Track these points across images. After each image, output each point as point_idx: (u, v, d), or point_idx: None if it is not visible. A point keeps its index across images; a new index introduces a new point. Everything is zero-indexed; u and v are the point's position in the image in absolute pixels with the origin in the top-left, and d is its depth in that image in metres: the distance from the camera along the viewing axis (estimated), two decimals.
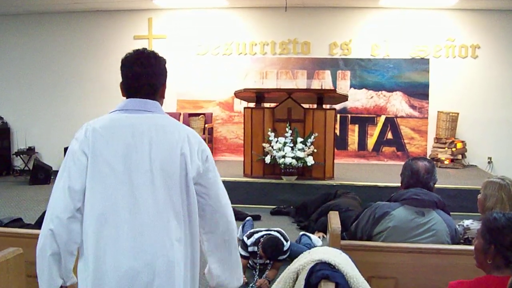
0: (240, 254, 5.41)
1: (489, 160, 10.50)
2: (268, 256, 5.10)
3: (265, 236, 5.25)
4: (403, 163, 10.23)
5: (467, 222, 3.42)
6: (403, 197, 3.35)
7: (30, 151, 11.27)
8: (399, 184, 7.70)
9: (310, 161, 8.13)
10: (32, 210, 7.89)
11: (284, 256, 5.28)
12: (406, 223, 3.21)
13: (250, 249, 5.25)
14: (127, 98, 2.38)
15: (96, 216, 2.19)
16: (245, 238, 5.34)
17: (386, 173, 9.40)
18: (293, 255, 5.59)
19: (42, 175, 10.39)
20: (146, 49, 2.41)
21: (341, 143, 10.55)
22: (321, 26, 10.83)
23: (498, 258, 2.27)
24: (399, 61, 10.74)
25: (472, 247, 3.12)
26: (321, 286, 2.10)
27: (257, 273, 5.17)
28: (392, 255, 3.01)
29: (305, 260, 2.24)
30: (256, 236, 5.30)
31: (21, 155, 11.24)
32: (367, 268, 2.80)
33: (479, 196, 3.46)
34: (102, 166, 2.21)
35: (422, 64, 10.69)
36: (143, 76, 2.34)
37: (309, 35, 10.88)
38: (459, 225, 3.44)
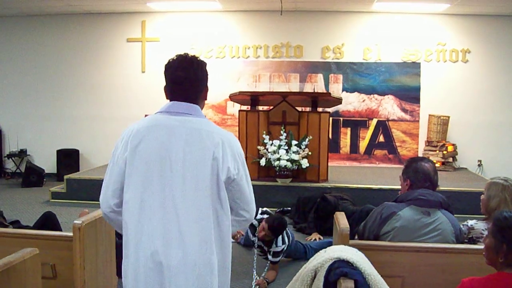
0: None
1: (479, 162, 10.62)
2: (271, 227, 5.16)
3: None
4: (394, 166, 10.43)
5: (471, 222, 3.48)
6: (409, 197, 3.39)
7: (22, 153, 11.24)
8: (392, 187, 7.85)
9: (304, 163, 8.18)
10: (27, 213, 7.87)
11: (281, 247, 5.36)
12: (413, 223, 3.26)
13: (254, 222, 5.38)
14: (170, 101, 2.52)
15: (134, 211, 2.37)
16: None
17: (378, 175, 9.49)
18: (290, 253, 5.66)
19: (35, 178, 10.35)
20: (188, 54, 2.52)
21: (333, 146, 10.59)
22: (314, 29, 10.90)
23: (509, 256, 2.32)
24: (390, 65, 10.83)
25: (476, 246, 3.22)
26: (340, 283, 2.14)
27: (255, 263, 5.26)
28: (399, 254, 3.06)
29: (323, 258, 2.28)
30: (257, 217, 5.41)
31: (13, 158, 11.20)
32: (375, 267, 2.84)
33: (482, 196, 3.52)
34: (138, 163, 2.39)
35: (413, 68, 10.79)
36: (186, 80, 2.47)
37: (302, 38, 10.95)
38: (463, 225, 3.50)
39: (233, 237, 5.06)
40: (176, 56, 2.52)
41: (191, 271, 2.33)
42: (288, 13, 10.60)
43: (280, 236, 5.37)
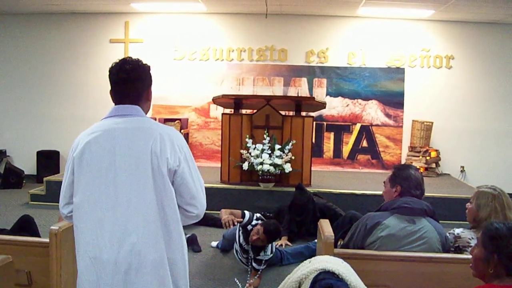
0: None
1: (461, 169, 10.65)
2: (266, 231, 5.10)
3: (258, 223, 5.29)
4: (378, 171, 10.45)
5: (457, 231, 3.44)
6: (393, 206, 3.37)
7: (1, 154, 11.03)
8: (376, 192, 7.83)
9: (287, 168, 8.12)
10: (5, 215, 7.73)
11: (269, 256, 5.31)
12: (398, 232, 3.23)
13: (249, 227, 5.30)
14: (115, 104, 2.61)
15: (81, 214, 2.50)
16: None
17: (362, 180, 9.47)
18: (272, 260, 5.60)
19: (14, 179, 10.19)
20: (130, 57, 2.63)
21: (316, 150, 10.55)
22: (298, 33, 10.87)
23: (499, 267, 2.28)
24: (375, 70, 10.82)
25: (463, 256, 3.18)
26: None
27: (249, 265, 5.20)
28: (385, 264, 3.02)
29: (307, 269, 2.22)
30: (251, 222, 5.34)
31: None
32: (360, 276, 2.78)
33: (469, 205, 3.48)
34: (85, 170, 2.50)
35: (397, 73, 10.79)
36: (128, 82, 2.56)
37: (286, 42, 10.91)
38: (449, 233, 3.46)
39: (224, 225, 5.05)
40: (119, 59, 2.61)
41: (141, 268, 2.42)
42: (273, 16, 10.56)
43: (270, 246, 5.31)
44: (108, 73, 2.61)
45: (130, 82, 2.55)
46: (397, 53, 10.76)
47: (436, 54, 10.69)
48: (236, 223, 5.18)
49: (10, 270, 2.58)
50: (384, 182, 3.64)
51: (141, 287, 2.43)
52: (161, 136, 2.49)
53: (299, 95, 10.75)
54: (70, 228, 3.16)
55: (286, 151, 8.20)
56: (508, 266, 2.27)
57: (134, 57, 2.64)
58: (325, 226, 3.17)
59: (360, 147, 10.94)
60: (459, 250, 3.34)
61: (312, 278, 2.17)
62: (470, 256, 3.05)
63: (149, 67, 2.65)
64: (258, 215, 5.53)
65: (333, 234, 2.99)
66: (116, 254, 2.40)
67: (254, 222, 5.33)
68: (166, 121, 10.50)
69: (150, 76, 2.66)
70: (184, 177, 2.52)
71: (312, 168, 8.69)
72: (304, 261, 2.45)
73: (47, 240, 3.07)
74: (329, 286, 2.11)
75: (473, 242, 3.32)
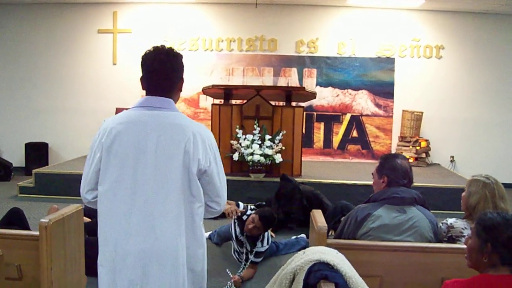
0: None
1: (451, 158, 10.69)
2: (262, 218, 5.10)
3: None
4: (368, 161, 10.47)
5: (450, 221, 3.43)
6: (383, 196, 3.36)
7: None
8: (367, 182, 7.85)
9: (278, 158, 8.10)
10: None
11: (265, 248, 5.29)
12: (389, 222, 3.22)
13: (244, 217, 5.31)
14: (146, 93, 2.59)
15: (106, 202, 2.48)
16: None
17: (352, 171, 9.48)
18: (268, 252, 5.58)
19: (2, 172, 10.09)
20: (164, 46, 2.59)
21: (306, 140, 10.54)
22: (288, 23, 10.83)
23: (494, 256, 2.27)
24: (365, 60, 10.81)
25: (456, 245, 3.18)
26: (320, 286, 2.06)
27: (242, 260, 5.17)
28: (378, 254, 3.01)
29: (302, 261, 2.20)
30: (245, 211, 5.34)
31: None
32: (353, 267, 2.78)
33: (464, 193, 3.48)
34: (113, 160, 2.47)
35: (387, 63, 10.79)
36: (162, 72, 2.53)
37: (276, 32, 10.87)
38: (442, 223, 3.45)
39: (227, 214, 5.15)
40: (152, 48, 2.57)
41: (163, 260, 2.43)
42: (263, 6, 10.50)
43: (266, 236, 5.29)
44: (140, 60, 2.58)
45: (165, 73, 2.54)
46: (387, 43, 10.75)
47: (426, 44, 10.70)
48: (239, 213, 5.18)
49: (0, 264, 2.54)
50: (372, 174, 3.62)
51: (160, 282, 2.43)
52: (194, 136, 2.48)
53: (289, 85, 10.72)
54: (61, 221, 3.13)
55: (276, 142, 8.18)
56: (502, 255, 2.27)
57: (167, 45, 2.61)
58: (318, 217, 3.15)
59: (350, 137, 10.94)
60: (452, 240, 3.33)
61: (307, 269, 2.15)
62: (463, 246, 3.05)
63: (181, 56, 2.62)
64: (253, 206, 5.51)
65: (326, 225, 2.97)
66: (138, 247, 2.41)
67: (249, 212, 5.32)
68: None
69: (183, 66, 2.63)
70: (212, 177, 2.54)
71: (303, 159, 8.67)
72: (298, 252, 2.43)
73: (37, 233, 3.02)
74: (324, 277, 2.09)
75: (466, 232, 3.31)
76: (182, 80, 2.63)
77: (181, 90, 2.66)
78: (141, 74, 2.61)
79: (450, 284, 2.27)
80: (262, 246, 5.26)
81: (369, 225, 3.22)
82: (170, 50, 2.57)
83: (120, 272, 2.43)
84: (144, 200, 2.42)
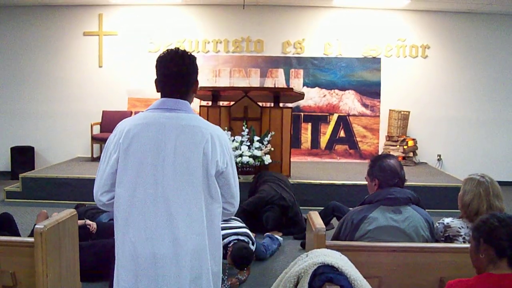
0: None
1: (438, 157, 10.74)
2: (237, 266, 5.02)
3: (233, 242, 5.14)
4: (355, 161, 10.50)
5: (447, 220, 3.44)
6: (377, 198, 3.36)
7: None
8: (355, 182, 7.88)
9: (267, 159, 8.08)
10: None
11: (254, 248, 5.27)
12: (385, 223, 3.22)
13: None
14: (161, 95, 2.60)
15: (124, 204, 2.47)
16: None
17: (340, 171, 9.50)
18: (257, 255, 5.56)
19: None
20: (179, 48, 2.60)
21: (294, 141, 10.53)
22: (275, 24, 10.83)
23: (489, 250, 2.30)
24: (351, 60, 10.84)
25: (454, 245, 3.21)
26: None
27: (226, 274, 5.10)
28: (376, 255, 3.01)
29: (306, 264, 2.19)
30: (224, 241, 5.18)
31: None
32: None
33: (459, 193, 3.50)
34: (131, 161, 2.47)
35: (373, 63, 10.83)
36: (178, 75, 2.55)
37: (263, 33, 10.87)
38: (439, 223, 3.47)
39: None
40: (167, 50, 2.59)
41: (183, 263, 2.42)
42: (249, 7, 10.48)
43: (249, 239, 5.26)
44: (156, 63, 2.59)
45: (181, 76, 2.56)
46: (373, 43, 10.79)
47: (412, 44, 10.75)
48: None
49: None
50: (365, 177, 3.62)
51: (182, 284, 2.43)
52: (212, 137, 2.50)
53: (276, 86, 10.72)
54: (55, 226, 3.10)
55: (265, 143, 8.16)
56: (496, 246, 2.30)
57: (181, 48, 2.62)
58: (315, 218, 3.14)
59: (337, 137, 10.96)
60: (449, 239, 3.35)
61: (311, 272, 2.14)
62: (461, 245, 3.09)
63: (195, 58, 2.64)
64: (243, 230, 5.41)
65: (324, 227, 2.96)
66: (157, 249, 2.40)
67: (232, 238, 5.20)
68: None
69: (197, 69, 2.65)
70: (228, 178, 2.57)
71: (291, 159, 8.67)
72: (301, 255, 2.42)
73: (32, 239, 2.98)
74: (329, 280, 2.08)
75: (463, 231, 3.33)
76: (197, 82, 2.65)
77: (195, 93, 2.69)
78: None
79: (454, 284, 2.28)
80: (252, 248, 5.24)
81: (365, 228, 3.22)
82: (186, 52, 2.58)
83: (141, 274, 2.42)
84: (165, 202, 2.42)
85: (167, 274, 2.41)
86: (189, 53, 2.60)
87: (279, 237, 6.30)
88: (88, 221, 5.19)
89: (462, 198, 3.45)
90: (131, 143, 2.47)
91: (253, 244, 5.31)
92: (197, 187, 2.45)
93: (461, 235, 3.32)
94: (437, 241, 3.37)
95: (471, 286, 2.25)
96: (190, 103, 2.64)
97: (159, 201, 2.42)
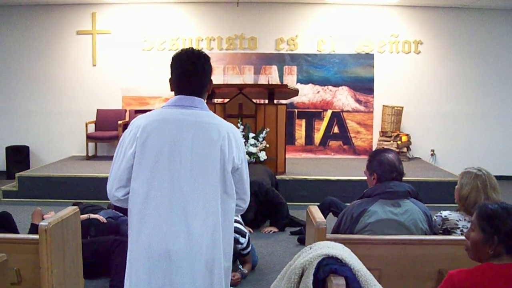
0: None
1: (432, 152, 10.81)
2: None
3: None
4: (349, 156, 10.53)
5: (444, 213, 3.50)
6: (376, 192, 3.41)
7: None
8: (350, 178, 7.92)
9: (262, 156, 8.13)
10: None
11: (245, 252, 5.24)
12: (385, 216, 3.27)
13: None
14: (176, 93, 2.63)
15: (140, 199, 2.48)
16: None
17: (335, 167, 9.55)
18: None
19: None
20: (193, 48, 2.67)
21: (288, 138, 10.53)
22: (268, 21, 10.86)
23: (499, 247, 2.32)
24: (344, 56, 10.89)
25: (452, 237, 3.25)
26: (330, 280, 2.10)
27: None
28: (376, 247, 3.06)
29: (310, 256, 2.23)
30: None
31: None
32: None
33: (456, 186, 3.55)
34: (148, 156, 2.48)
35: (367, 59, 10.88)
36: (194, 75, 2.59)
37: (256, 30, 10.89)
38: (436, 216, 3.52)
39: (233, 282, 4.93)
40: (183, 49, 2.65)
41: (198, 258, 2.44)
42: (242, 5, 10.53)
43: (237, 235, 5.23)
44: (171, 61, 2.63)
45: (196, 75, 2.60)
46: (366, 39, 10.84)
47: (404, 40, 10.81)
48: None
49: (5, 268, 2.54)
50: (364, 172, 3.67)
51: (192, 282, 2.45)
52: (228, 135, 2.54)
53: (270, 83, 10.76)
54: (59, 223, 3.13)
55: (260, 139, 8.21)
56: (508, 245, 2.32)
57: (196, 47, 2.73)
58: (315, 212, 3.19)
59: (331, 133, 11.01)
60: (447, 232, 3.40)
61: (316, 264, 2.18)
62: (459, 238, 3.13)
63: (209, 58, 2.69)
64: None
65: (325, 220, 3.01)
66: (172, 245, 2.42)
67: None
68: (136, 112, 10.38)
69: (212, 68, 2.70)
70: (242, 175, 2.62)
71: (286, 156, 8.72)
72: (304, 248, 2.47)
73: (36, 236, 3.02)
74: (334, 271, 2.13)
75: (460, 224, 3.39)
76: (211, 81, 2.69)
77: (209, 92, 2.72)
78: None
79: (455, 274, 2.32)
80: (242, 244, 5.20)
81: (365, 221, 3.27)
82: (201, 52, 2.64)
83: (155, 269, 2.43)
84: (181, 198, 2.44)
85: (181, 269, 2.43)
86: (204, 53, 2.65)
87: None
88: (92, 215, 5.22)
89: (459, 192, 3.50)
90: (148, 138, 2.48)
91: (243, 236, 5.27)
92: (213, 183, 2.48)
93: (458, 228, 3.38)
94: (435, 233, 3.42)
95: (472, 276, 2.29)
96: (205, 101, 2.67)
97: (175, 196, 2.44)
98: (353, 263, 2.23)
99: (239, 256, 5.21)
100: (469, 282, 2.28)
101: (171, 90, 2.66)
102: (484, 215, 2.37)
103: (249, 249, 5.25)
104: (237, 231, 5.27)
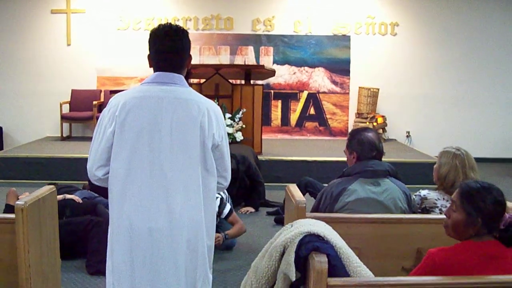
0: None
1: (407, 134, 10.89)
2: None
3: None
4: (325, 138, 10.55)
5: (423, 192, 3.52)
6: (356, 170, 3.40)
7: None
8: (326, 158, 7.95)
9: (239, 137, 8.11)
10: None
11: (224, 215, 5.20)
12: (364, 195, 3.28)
13: None
14: (155, 70, 2.59)
15: (120, 178, 2.46)
16: None
17: (310, 147, 9.60)
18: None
19: None
20: (171, 23, 2.62)
21: (264, 119, 10.51)
22: (244, 1, 10.81)
23: (482, 228, 2.33)
24: (321, 38, 10.88)
25: (431, 216, 3.28)
26: (312, 257, 2.10)
27: None
28: (355, 226, 3.06)
29: (292, 233, 2.22)
30: None
31: None
32: None
33: (435, 165, 3.57)
34: (127, 134, 2.45)
35: (343, 40, 10.88)
36: (173, 51, 2.55)
37: (232, 10, 10.83)
38: (415, 195, 3.55)
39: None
40: (160, 25, 2.60)
41: (179, 237, 2.44)
42: None
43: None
44: (149, 37, 2.59)
45: (175, 51, 2.55)
46: (342, 21, 10.84)
47: (381, 21, 10.82)
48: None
49: None
50: (344, 151, 3.67)
51: (175, 260, 2.45)
52: (208, 111, 2.52)
53: (246, 63, 10.71)
54: (36, 203, 3.08)
55: (236, 120, 8.18)
56: (490, 226, 2.34)
57: (173, 23, 2.62)
58: (295, 191, 3.18)
59: (307, 114, 11.03)
60: (426, 211, 3.43)
61: (298, 242, 2.18)
62: (438, 216, 3.15)
63: (188, 33, 2.64)
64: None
65: (304, 199, 3.01)
66: (154, 223, 2.41)
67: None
68: (111, 92, 10.26)
69: (190, 43, 2.63)
70: (222, 152, 2.61)
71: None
72: (286, 225, 2.46)
73: (12, 216, 2.97)
74: (316, 248, 2.12)
75: (439, 203, 3.42)
76: (190, 57, 2.64)
77: (188, 67, 2.67)
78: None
79: (435, 253, 2.33)
80: (217, 208, 5.14)
81: (345, 200, 3.27)
82: (180, 27, 2.58)
83: (137, 247, 2.42)
84: (162, 176, 2.43)
85: (163, 247, 2.42)
86: (182, 28, 2.60)
87: None
88: (67, 195, 5.17)
89: (438, 171, 3.52)
90: (127, 116, 2.45)
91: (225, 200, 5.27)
92: (194, 160, 2.47)
93: (437, 207, 3.41)
94: (414, 212, 3.44)
95: (453, 254, 2.30)
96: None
97: (156, 174, 2.43)
98: (335, 240, 2.23)
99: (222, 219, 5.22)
100: (450, 260, 2.29)
101: (150, 67, 2.62)
102: (466, 196, 2.36)
103: (226, 210, 5.21)
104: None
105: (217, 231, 4.97)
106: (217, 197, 5.09)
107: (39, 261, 3.13)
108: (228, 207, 5.26)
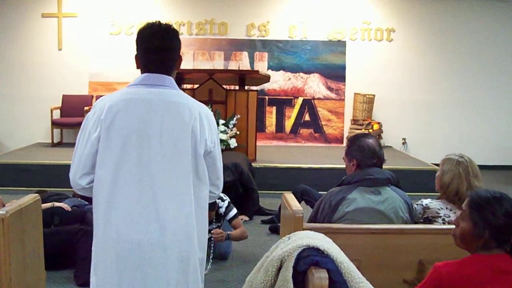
0: None
1: (403, 141, 10.80)
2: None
3: None
4: (320, 144, 10.47)
5: (425, 201, 3.40)
6: (356, 179, 3.27)
7: None
8: (322, 166, 7.84)
9: (233, 143, 7.98)
10: None
11: (229, 217, 5.13)
12: (364, 204, 3.15)
13: None
14: (143, 71, 2.43)
15: (106, 186, 2.29)
16: None
17: (305, 155, 9.49)
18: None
19: None
20: (160, 22, 2.46)
21: (259, 125, 10.41)
22: (239, 6, 10.71)
23: (490, 241, 2.21)
24: (316, 43, 10.79)
25: (433, 226, 3.16)
26: (312, 273, 1.96)
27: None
28: (355, 237, 2.96)
29: (289, 247, 2.09)
30: None
31: None
32: None
33: (437, 173, 3.44)
34: (114, 139, 2.29)
35: (339, 46, 10.79)
36: (162, 50, 2.40)
37: (227, 15, 10.74)
38: (417, 204, 3.42)
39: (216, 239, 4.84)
40: (148, 23, 2.46)
41: (170, 249, 2.29)
42: None
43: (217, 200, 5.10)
44: (136, 37, 2.45)
45: (164, 51, 2.41)
46: (338, 26, 10.76)
47: (377, 27, 10.75)
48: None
49: None
50: (343, 158, 3.53)
51: (165, 274, 2.29)
52: (200, 116, 2.36)
53: (240, 69, 10.60)
54: (18, 212, 2.93)
55: (230, 126, 8.05)
56: (499, 239, 2.21)
57: (163, 21, 2.47)
58: (291, 200, 3.06)
59: (302, 121, 10.93)
60: (428, 221, 3.31)
61: (296, 256, 2.04)
62: (441, 227, 3.04)
63: (178, 32, 2.50)
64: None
65: (301, 209, 2.88)
66: (143, 234, 2.25)
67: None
68: None
69: (181, 44, 2.50)
70: (214, 159, 2.46)
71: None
72: (283, 238, 2.33)
73: None
74: (315, 263, 1.99)
75: (442, 212, 3.29)
76: (180, 58, 2.49)
77: (178, 69, 2.53)
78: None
79: (442, 267, 2.21)
80: (221, 207, 5.10)
81: (344, 209, 3.14)
82: (169, 26, 2.45)
83: (125, 260, 2.26)
84: (152, 184, 2.27)
85: (153, 259, 2.27)
86: (172, 27, 2.47)
87: None
88: (56, 203, 5.03)
89: (441, 179, 3.39)
90: (114, 120, 2.29)
91: (222, 201, 5.17)
92: (185, 167, 2.32)
93: (440, 216, 3.28)
94: (416, 222, 3.32)
95: (461, 268, 2.19)
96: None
97: (145, 183, 2.27)
98: (336, 254, 2.09)
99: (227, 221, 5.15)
100: (457, 274, 2.18)
101: (137, 68, 2.46)
102: (475, 206, 2.24)
103: (232, 213, 5.13)
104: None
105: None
106: (224, 200, 5.13)
107: (22, 274, 2.97)
108: (234, 210, 5.19)
